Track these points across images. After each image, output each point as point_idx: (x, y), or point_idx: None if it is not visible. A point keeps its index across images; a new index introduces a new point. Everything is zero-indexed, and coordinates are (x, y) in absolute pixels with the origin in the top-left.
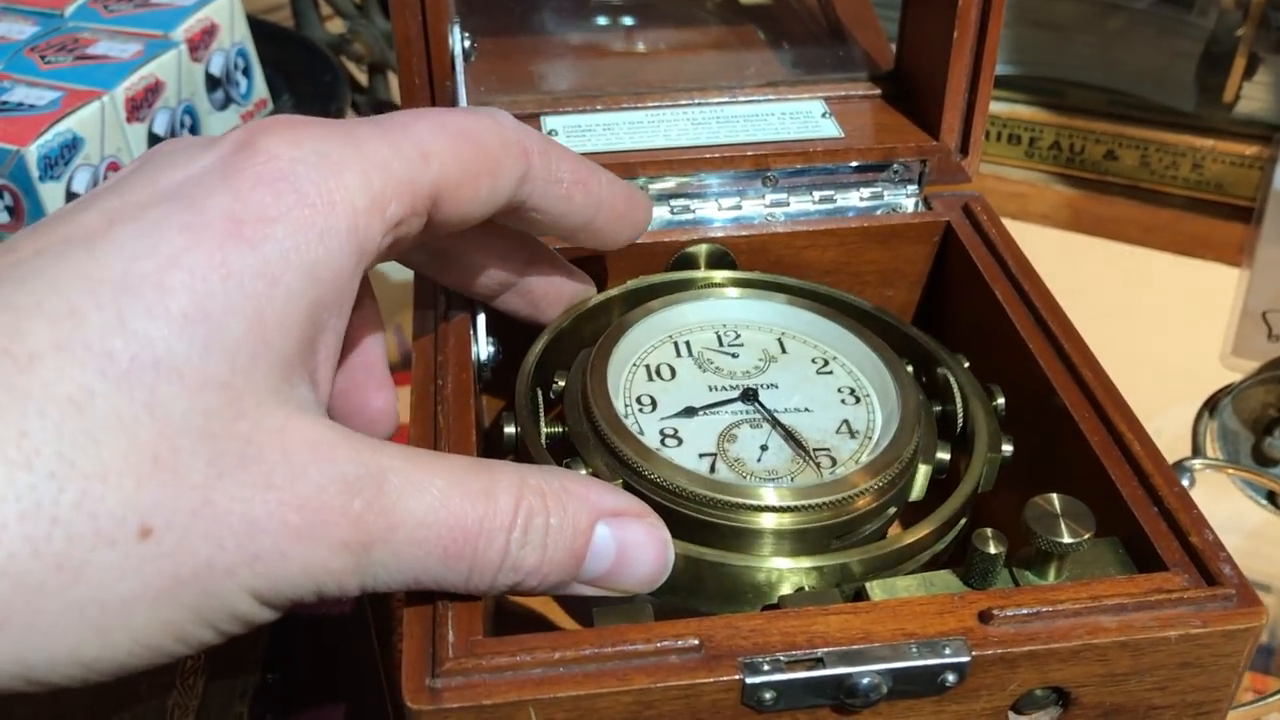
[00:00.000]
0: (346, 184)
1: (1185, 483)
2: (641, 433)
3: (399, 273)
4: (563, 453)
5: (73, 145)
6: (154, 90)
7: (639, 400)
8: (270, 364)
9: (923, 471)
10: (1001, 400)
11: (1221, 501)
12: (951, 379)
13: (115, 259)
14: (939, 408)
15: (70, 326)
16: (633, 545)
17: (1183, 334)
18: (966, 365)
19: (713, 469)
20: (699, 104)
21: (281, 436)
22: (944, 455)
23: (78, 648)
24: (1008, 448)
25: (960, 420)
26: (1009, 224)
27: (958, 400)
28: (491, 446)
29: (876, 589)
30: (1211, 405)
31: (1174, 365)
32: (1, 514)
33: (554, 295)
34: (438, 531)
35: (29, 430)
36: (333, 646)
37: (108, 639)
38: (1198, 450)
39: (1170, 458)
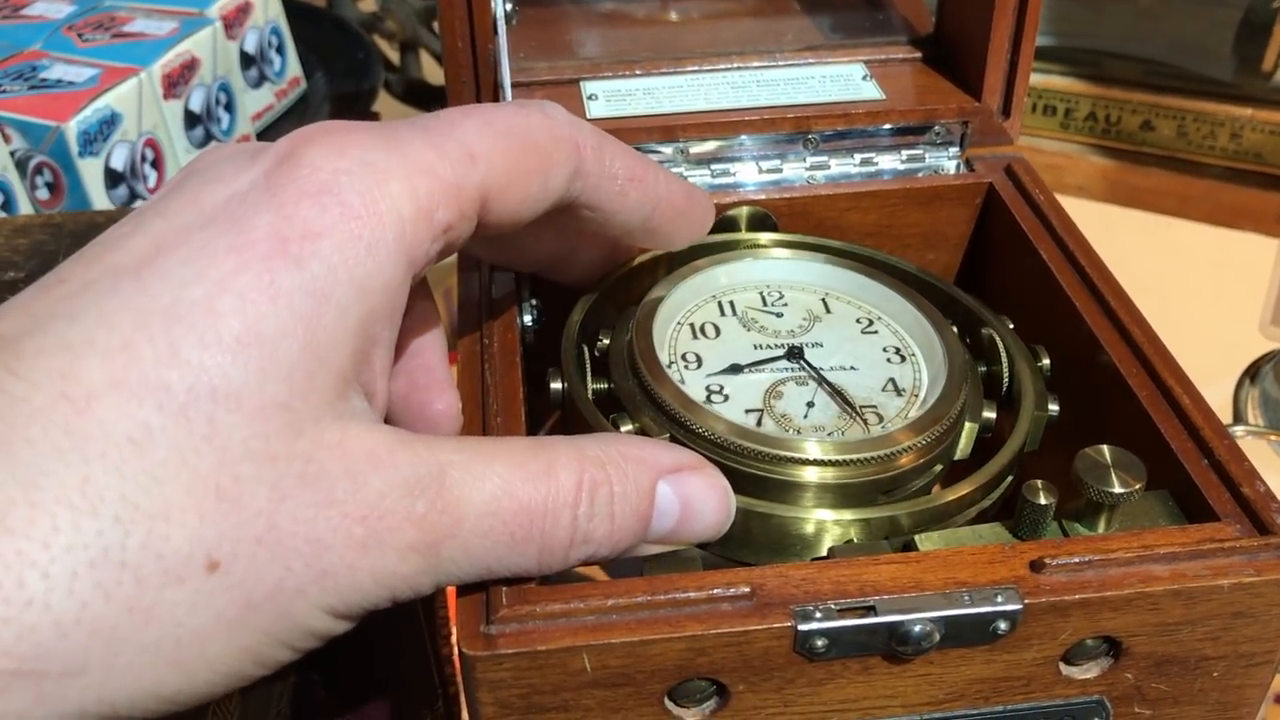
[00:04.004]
0: (391, 193)
1: None
2: (688, 389)
3: None
4: (608, 410)
5: (111, 121)
6: (190, 67)
7: (684, 357)
8: (325, 381)
9: (968, 429)
10: (1047, 361)
11: (1265, 474)
12: (997, 339)
13: (164, 287)
14: (984, 368)
15: (124, 362)
16: (695, 498)
17: (1221, 305)
18: (1011, 326)
19: (759, 423)
20: (738, 68)
21: (341, 450)
22: (990, 414)
23: (157, 684)
24: (1054, 407)
25: (1006, 380)
26: None
27: (1004, 360)
28: (535, 407)
29: (925, 541)
30: (1253, 373)
31: (1213, 336)
32: (71, 563)
33: (602, 263)
34: (503, 519)
35: (91, 475)
36: (370, 635)
37: (186, 672)
38: (1239, 418)
39: None
